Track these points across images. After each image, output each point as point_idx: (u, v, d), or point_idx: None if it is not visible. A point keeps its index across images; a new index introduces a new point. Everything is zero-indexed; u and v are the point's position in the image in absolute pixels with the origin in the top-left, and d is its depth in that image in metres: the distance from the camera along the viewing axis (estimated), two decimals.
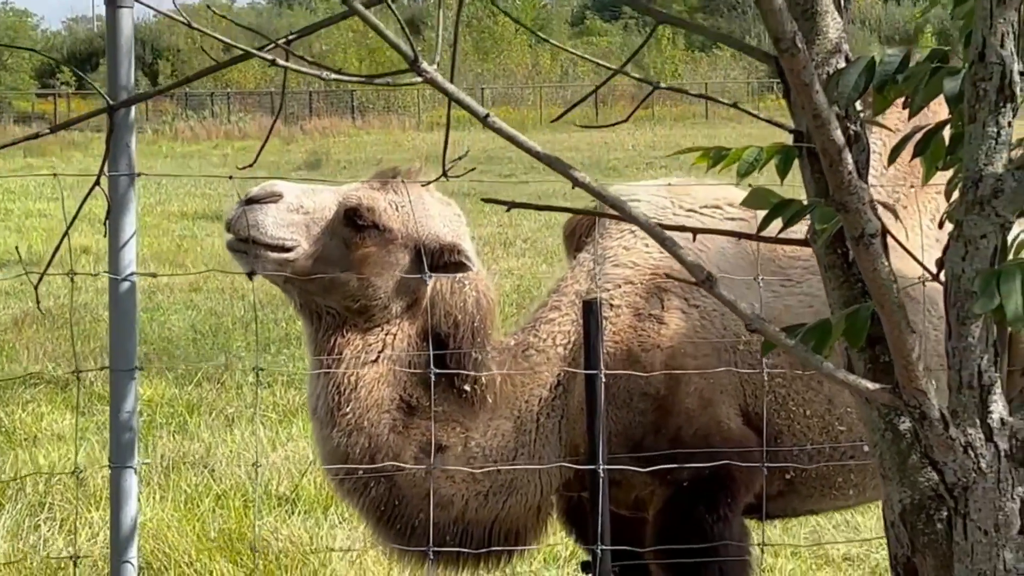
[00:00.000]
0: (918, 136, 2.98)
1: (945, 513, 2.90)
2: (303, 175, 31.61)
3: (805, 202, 2.91)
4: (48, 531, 7.70)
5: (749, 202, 2.96)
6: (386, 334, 4.97)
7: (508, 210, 2.99)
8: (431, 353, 4.97)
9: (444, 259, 4.91)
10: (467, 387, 4.99)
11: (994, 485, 2.81)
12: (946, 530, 2.90)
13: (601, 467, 4.83)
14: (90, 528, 7.74)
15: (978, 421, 2.81)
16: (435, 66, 2.47)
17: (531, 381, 5.09)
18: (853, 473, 5.16)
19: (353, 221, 4.91)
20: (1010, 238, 2.88)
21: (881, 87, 2.77)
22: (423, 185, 5.01)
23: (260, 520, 7.93)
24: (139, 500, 4.73)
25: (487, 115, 2.54)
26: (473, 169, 3.61)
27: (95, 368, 9.84)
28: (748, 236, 3.32)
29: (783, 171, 2.94)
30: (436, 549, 4.99)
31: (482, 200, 3.46)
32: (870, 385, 2.78)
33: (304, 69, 2.65)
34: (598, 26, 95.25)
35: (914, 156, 3.04)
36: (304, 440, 9.45)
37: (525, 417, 5.08)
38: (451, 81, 2.58)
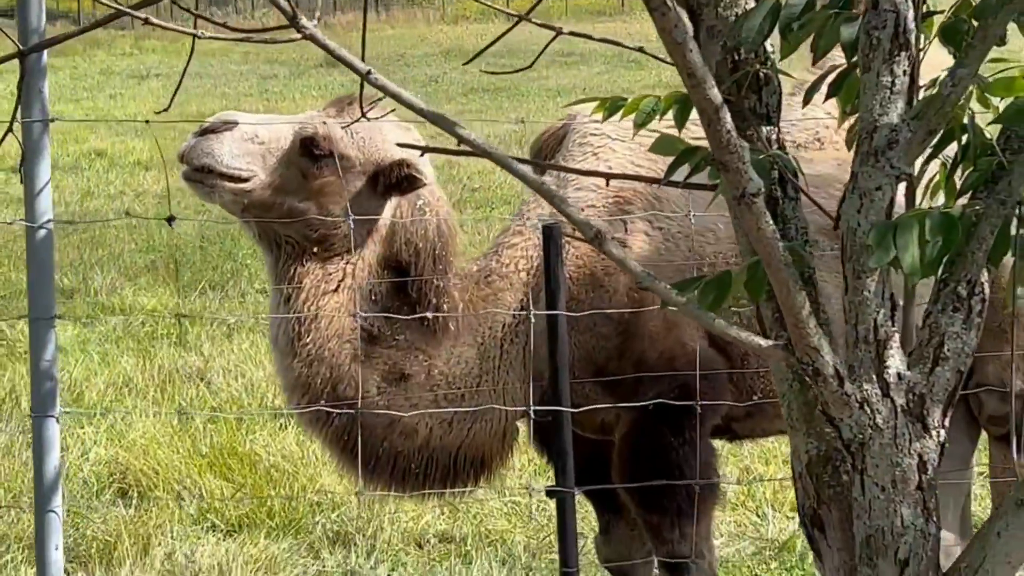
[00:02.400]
0: (831, 77, 2.91)
1: (848, 467, 2.87)
2: (323, 73, 31.38)
3: None
4: None
5: (656, 149, 2.90)
6: (346, 263, 4.95)
7: (422, 155, 2.94)
8: (388, 281, 4.95)
9: (394, 176, 4.87)
10: (429, 315, 4.97)
11: (891, 441, 2.78)
12: (849, 484, 2.87)
13: (565, 409, 4.81)
14: (82, 443, 7.78)
15: (874, 376, 2.77)
16: (314, 22, 2.42)
17: (494, 307, 5.06)
18: None
19: (309, 151, 4.87)
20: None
21: (784, 31, 2.70)
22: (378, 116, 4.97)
23: (253, 435, 7.95)
24: (62, 448, 4.74)
25: (368, 71, 2.48)
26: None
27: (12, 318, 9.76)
28: (656, 181, 3.27)
29: (680, 121, 2.88)
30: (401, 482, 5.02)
31: (397, 144, 3.41)
32: (763, 342, 2.75)
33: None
34: None
35: (827, 97, 2.97)
36: None
37: (488, 344, 5.05)
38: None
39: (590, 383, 4.96)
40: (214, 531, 6.86)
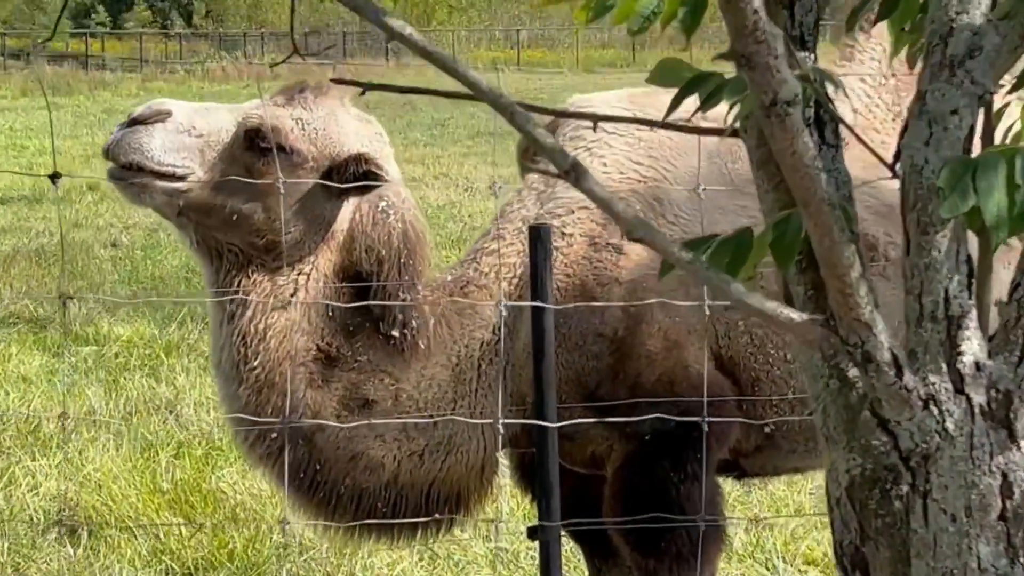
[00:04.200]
0: None
1: (905, 489, 2.19)
2: None
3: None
4: None
5: (655, 79, 2.28)
6: (299, 274, 4.33)
7: (362, 94, 2.36)
8: (346, 294, 4.34)
9: (350, 171, 4.26)
10: (395, 332, 4.35)
11: (965, 453, 2.09)
12: (905, 511, 2.18)
13: (550, 424, 4.19)
14: (32, 477, 7.16)
15: (944, 366, 2.10)
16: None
17: (471, 322, 4.45)
18: None
19: (255, 144, 4.26)
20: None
21: None
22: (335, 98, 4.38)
23: (220, 471, 7.33)
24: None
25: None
26: None
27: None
28: (657, 124, 2.65)
29: (690, 26, 2.20)
30: (365, 521, 4.38)
31: (331, 80, 2.86)
32: (795, 315, 2.08)
33: None
34: None
35: (878, 19, 2.34)
36: None
37: (464, 364, 4.44)
38: None
39: (579, 408, 4.34)
40: (168, 574, 6.23)
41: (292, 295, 4.31)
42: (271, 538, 6.48)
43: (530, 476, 4.61)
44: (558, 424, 4.21)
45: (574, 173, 2.02)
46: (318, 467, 4.33)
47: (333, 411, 4.32)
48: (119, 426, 8.05)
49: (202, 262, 4.39)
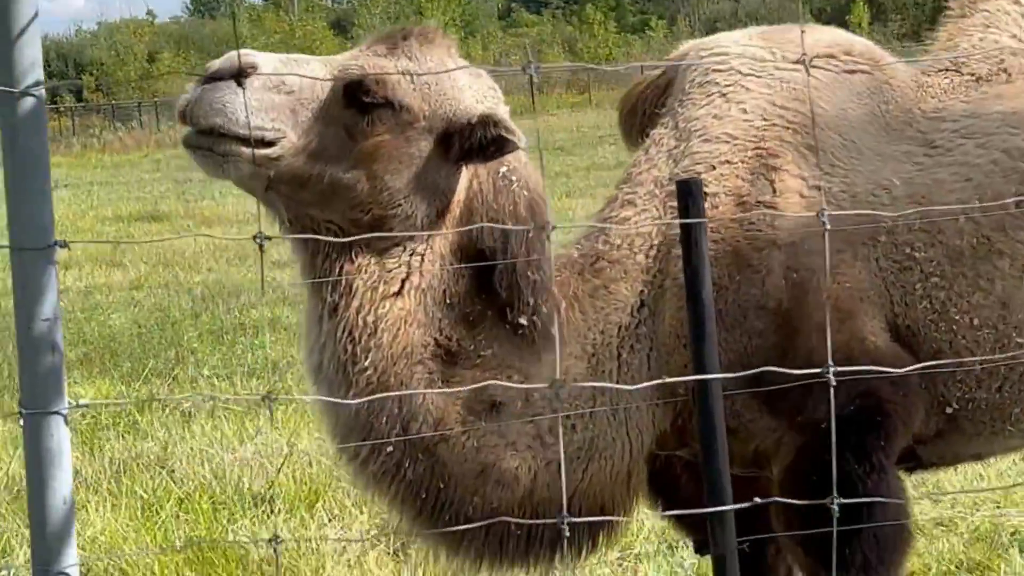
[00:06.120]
0: None
1: None
2: None
3: None
4: None
5: None
6: (411, 255, 3.64)
7: None
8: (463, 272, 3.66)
9: (477, 137, 3.56)
10: (523, 320, 3.67)
11: None
12: None
13: (712, 381, 3.46)
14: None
15: None
16: None
17: (605, 305, 3.80)
18: None
19: (357, 100, 3.54)
20: None
21: None
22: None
23: (233, 524, 6.60)
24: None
25: None
26: None
27: None
28: None
29: None
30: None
31: None
32: None
33: None
34: (525, 18, 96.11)
35: None
36: (275, 431, 8.11)
37: (602, 354, 3.78)
38: None
39: (742, 397, 3.68)
40: None
41: (405, 280, 3.62)
42: None
43: (662, 482, 3.96)
44: (720, 376, 3.46)
45: None
46: (442, 485, 3.65)
47: (458, 417, 3.63)
48: (109, 486, 7.28)
49: (294, 245, 3.68)
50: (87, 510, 6.83)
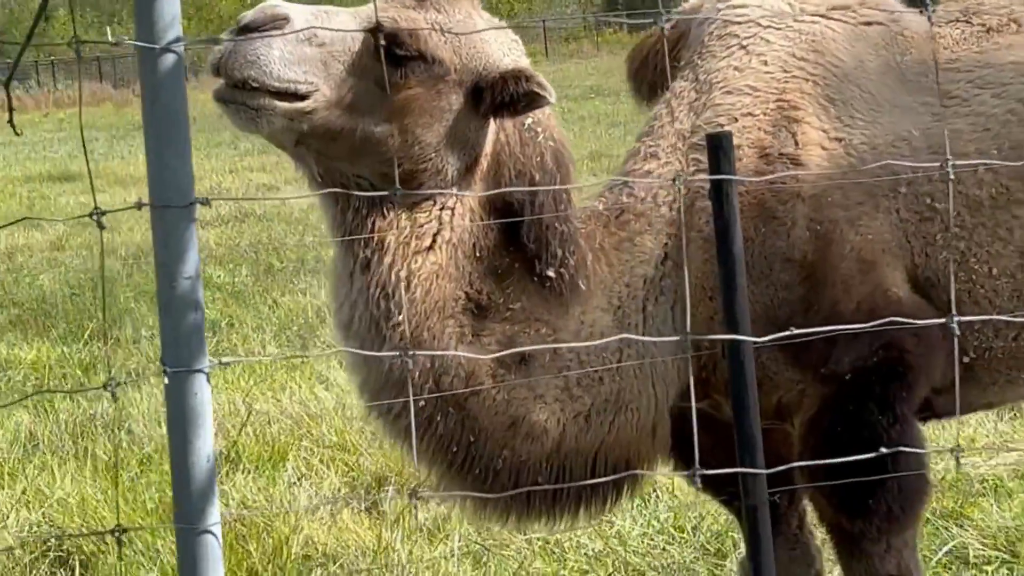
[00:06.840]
0: None
1: None
2: (137, 136, 29.89)
3: None
4: None
5: None
6: (442, 210, 3.63)
7: None
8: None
9: (509, 91, 3.54)
10: (551, 272, 3.66)
11: None
12: None
13: (744, 338, 3.41)
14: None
15: None
16: None
17: (630, 257, 3.80)
18: None
19: (390, 52, 3.48)
20: None
21: None
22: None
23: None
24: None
25: None
26: None
27: None
28: None
29: None
30: (529, 490, 3.68)
31: None
32: None
33: None
34: None
35: None
36: (234, 391, 8.03)
37: (627, 306, 3.78)
38: None
39: (768, 350, 3.69)
40: None
41: (436, 234, 3.59)
42: (290, 554, 5.72)
43: (679, 437, 3.96)
44: (752, 339, 3.41)
45: None
46: (472, 438, 3.64)
47: (489, 371, 3.62)
48: (70, 448, 7.18)
49: (324, 201, 3.64)
50: (47, 474, 6.75)
